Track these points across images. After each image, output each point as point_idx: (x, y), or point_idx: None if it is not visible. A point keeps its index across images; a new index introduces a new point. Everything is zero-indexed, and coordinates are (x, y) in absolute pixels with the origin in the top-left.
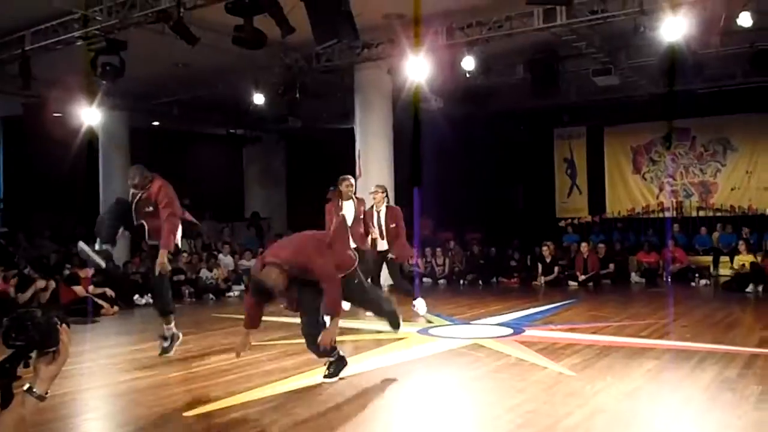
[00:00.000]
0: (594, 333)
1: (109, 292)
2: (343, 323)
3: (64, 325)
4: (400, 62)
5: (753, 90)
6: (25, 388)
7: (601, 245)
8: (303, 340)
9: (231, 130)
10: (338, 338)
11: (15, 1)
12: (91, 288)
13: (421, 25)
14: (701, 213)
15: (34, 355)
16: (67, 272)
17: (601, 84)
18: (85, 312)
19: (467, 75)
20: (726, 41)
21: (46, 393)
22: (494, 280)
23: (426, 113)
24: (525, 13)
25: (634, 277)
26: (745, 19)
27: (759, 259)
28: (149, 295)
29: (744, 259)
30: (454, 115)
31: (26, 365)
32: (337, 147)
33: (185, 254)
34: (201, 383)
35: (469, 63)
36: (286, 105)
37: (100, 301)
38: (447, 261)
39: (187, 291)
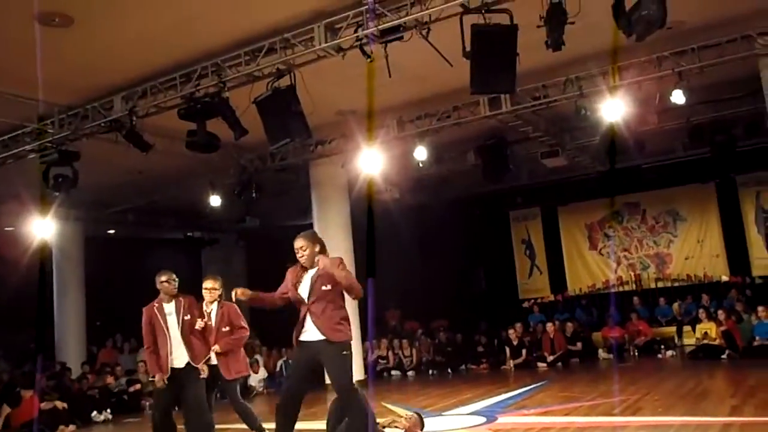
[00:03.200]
0: (567, 414)
1: (60, 404)
2: (311, 426)
3: None
4: (354, 156)
5: (695, 161)
6: None
7: (569, 323)
8: None
9: (189, 234)
10: None
11: None
12: (43, 404)
13: (372, 119)
14: (659, 284)
15: None
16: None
17: (550, 165)
18: None
19: (420, 165)
20: (663, 118)
21: None
22: (463, 367)
23: (382, 204)
24: (471, 103)
25: (602, 353)
26: (678, 97)
27: (725, 324)
28: (108, 411)
29: (706, 327)
30: (411, 204)
31: None
32: None
33: (143, 364)
34: None
35: (421, 153)
36: (243, 205)
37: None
38: (414, 351)
39: (147, 404)
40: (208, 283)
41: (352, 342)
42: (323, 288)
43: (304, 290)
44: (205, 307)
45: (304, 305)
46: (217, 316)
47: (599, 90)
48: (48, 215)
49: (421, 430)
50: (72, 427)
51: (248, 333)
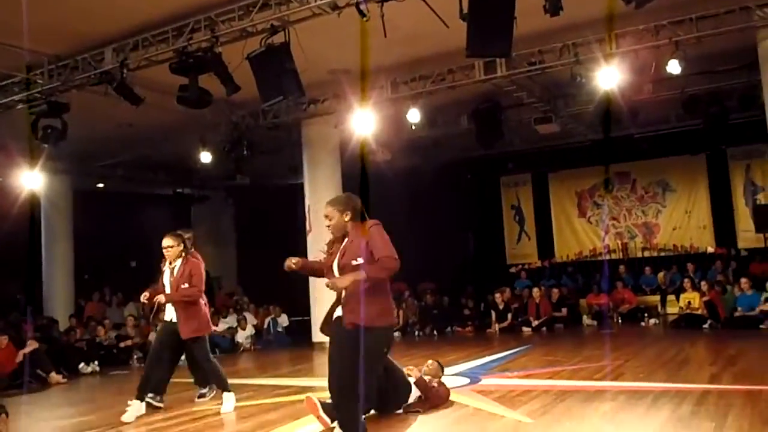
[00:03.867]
0: (550, 378)
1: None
2: (298, 382)
3: (3, 414)
4: (347, 116)
5: (687, 133)
6: None
7: (555, 290)
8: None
9: (178, 190)
10: (293, 397)
11: None
12: (25, 349)
13: (366, 80)
14: (646, 253)
15: None
16: None
17: (543, 132)
18: (20, 383)
19: (413, 127)
20: (658, 87)
21: None
22: (449, 329)
23: (374, 166)
24: (466, 66)
25: (586, 320)
26: (673, 67)
27: (708, 295)
28: (95, 362)
29: (689, 297)
30: (402, 166)
31: None
32: (286, 202)
33: (132, 318)
34: None
35: (414, 115)
36: (233, 162)
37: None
38: (401, 313)
39: (135, 356)
40: (165, 242)
41: None
42: (353, 263)
43: (334, 265)
44: (169, 264)
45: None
46: (178, 272)
47: (595, 57)
48: (36, 167)
49: (442, 375)
50: (60, 376)
51: (200, 293)
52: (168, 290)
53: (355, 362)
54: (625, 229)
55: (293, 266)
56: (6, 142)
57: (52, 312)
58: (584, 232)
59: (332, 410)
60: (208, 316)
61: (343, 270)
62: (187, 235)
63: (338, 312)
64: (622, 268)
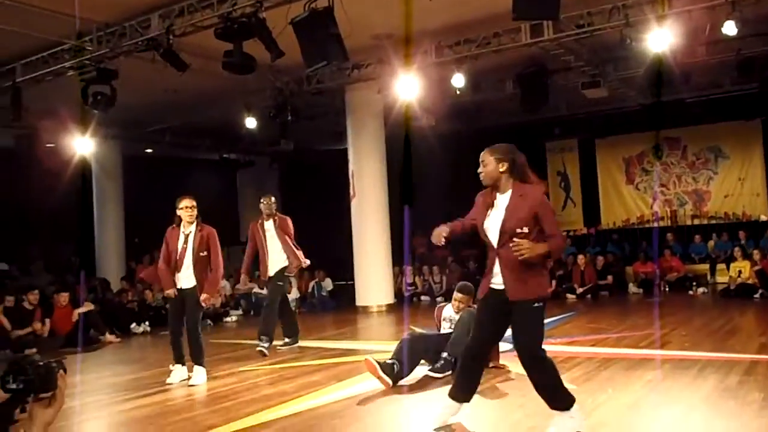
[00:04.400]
0: (593, 345)
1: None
2: (340, 345)
3: (61, 371)
4: (391, 82)
5: (741, 97)
6: None
7: (599, 257)
8: (300, 364)
9: (224, 155)
10: (336, 359)
11: (5, 33)
12: (81, 309)
13: (410, 44)
14: (695, 221)
15: (30, 399)
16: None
17: (591, 96)
18: (75, 342)
19: (457, 92)
20: (712, 50)
21: None
22: None
23: (418, 131)
24: (512, 29)
25: (632, 288)
26: (729, 28)
27: (760, 264)
28: (146, 323)
29: (740, 266)
30: (446, 132)
31: (23, 410)
32: (330, 168)
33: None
34: (200, 410)
35: (458, 80)
36: (278, 128)
37: (103, 336)
38: (444, 279)
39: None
40: (186, 201)
41: (383, 265)
42: (518, 231)
43: (492, 228)
44: (183, 229)
45: (492, 249)
46: (195, 240)
47: (646, 19)
48: (87, 133)
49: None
50: (113, 336)
51: (221, 262)
52: (183, 255)
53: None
54: (674, 196)
55: (444, 237)
56: (57, 109)
57: (104, 274)
58: (632, 198)
59: (391, 371)
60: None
61: (504, 235)
62: (272, 199)
63: (497, 283)
64: (670, 235)
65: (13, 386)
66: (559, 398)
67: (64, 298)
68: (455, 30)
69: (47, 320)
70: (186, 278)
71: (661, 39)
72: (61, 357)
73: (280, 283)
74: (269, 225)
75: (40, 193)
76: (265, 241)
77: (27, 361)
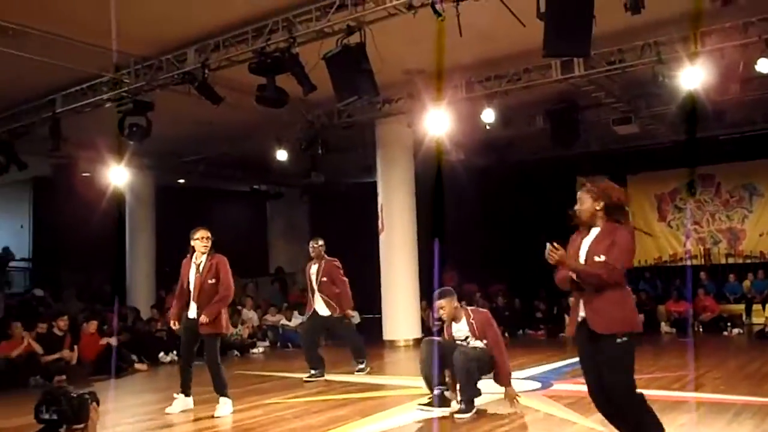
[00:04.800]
0: None
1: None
2: (366, 380)
3: (94, 403)
4: (421, 116)
5: None
6: None
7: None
8: (327, 397)
9: (255, 186)
10: (363, 394)
11: (47, 66)
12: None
13: (440, 79)
14: (730, 260)
15: (62, 430)
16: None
17: (622, 133)
18: (106, 369)
19: (487, 127)
20: (746, 87)
21: None
22: (520, 332)
23: (447, 165)
24: (543, 65)
25: (664, 327)
26: (763, 66)
27: None
28: (174, 352)
29: None
30: (476, 166)
31: None
32: (359, 201)
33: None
34: None
35: (489, 115)
36: (308, 160)
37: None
38: None
39: None
40: (202, 233)
41: (411, 299)
42: (595, 258)
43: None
44: (194, 259)
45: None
46: (204, 268)
47: (678, 56)
48: (122, 163)
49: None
50: (142, 364)
51: (231, 294)
52: (192, 286)
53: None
54: (707, 235)
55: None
56: (94, 139)
57: (134, 302)
58: (664, 236)
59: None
60: (227, 318)
61: (586, 262)
62: (320, 243)
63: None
64: (703, 274)
65: (47, 416)
66: None
67: (92, 326)
68: (486, 65)
69: (75, 347)
70: (195, 308)
71: (693, 76)
72: (92, 386)
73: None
74: (314, 269)
75: (75, 221)
76: (310, 283)
77: (61, 392)
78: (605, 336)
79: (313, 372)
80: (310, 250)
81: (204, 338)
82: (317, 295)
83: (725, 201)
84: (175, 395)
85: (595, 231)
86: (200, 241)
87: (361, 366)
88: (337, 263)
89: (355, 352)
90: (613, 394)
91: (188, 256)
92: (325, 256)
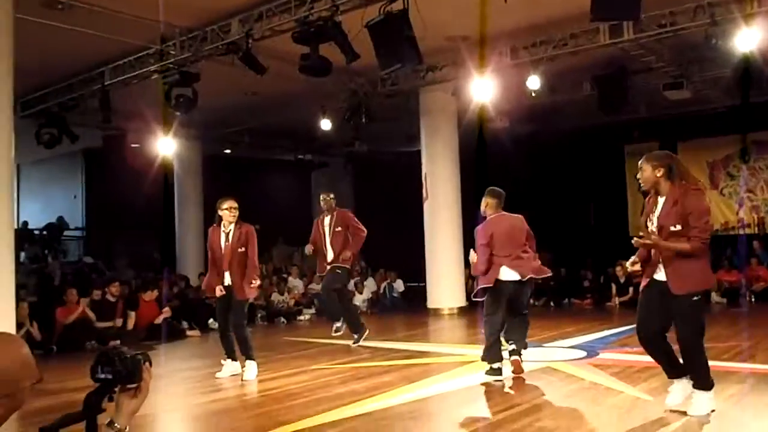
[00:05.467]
0: None
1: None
2: (411, 347)
3: (147, 363)
4: (465, 84)
5: None
6: (106, 422)
7: None
8: (371, 364)
9: (299, 156)
10: (407, 361)
11: (95, 39)
12: (166, 313)
13: (485, 46)
14: None
15: (117, 390)
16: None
17: (673, 98)
18: (159, 335)
19: (533, 94)
20: None
21: (126, 427)
22: (566, 301)
23: (492, 133)
24: (590, 30)
25: (715, 297)
26: None
27: None
28: None
29: None
30: (521, 134)
31: (111, 399)
32: (403, 170)
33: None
34: (273, 406)
35: (534, 82)
36: (352, 130)
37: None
38: None
39: (259, 314)
40: (231, 202)
41: (455, 268)
42: (671, 228)
43: (653, 227)
44: (223, 228)
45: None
46: (234, 236)
47: (733, 17)
48: (170, 134)
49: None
50: (194, 330)
51: (257, 262)
52: (226, 253)
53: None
54: (762, 203)
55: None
56: (142, 110)
57: (184, 270)
58: (716, 204)
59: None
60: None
61: (660, 230)
62: (331, 196)
63: (660, 276)
64: (757, 243)
65: (102, 376)
66: (703, 379)
67: (150, 295)
68: (531, 31)
69: (132, 313)
70: (230, 275)
71: (748, 38)
72: (147, 349)
73: (339, 272)
74: (327, 220)
75: (126, 191)
76: (323, 237)
77: (115, 352)
78: (682, 295)
79: (337, 325)
80: (322, 203)
81: (235, 302)
82: (329, 247)
83: None
84: (222, 361)
85: (661, 199)
86: (228, 211)
87: (338, 325)
88: (350, 213)
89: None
90: (685, 343)
91: (214, 225)
92: (337, 208)
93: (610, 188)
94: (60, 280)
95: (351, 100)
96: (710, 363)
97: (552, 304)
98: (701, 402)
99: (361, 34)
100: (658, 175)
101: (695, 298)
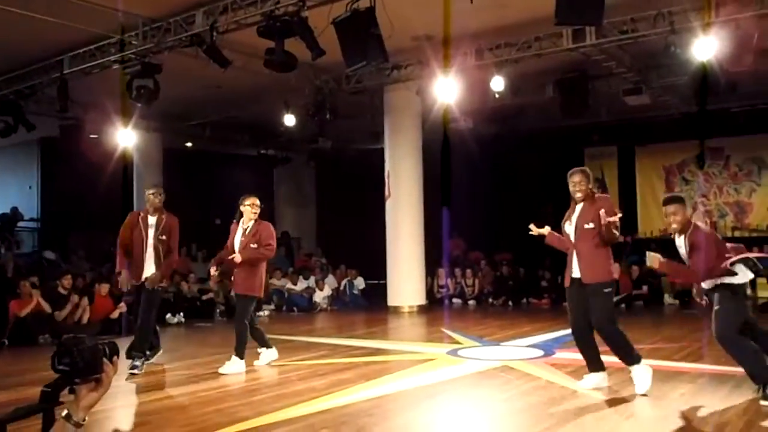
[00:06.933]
0: None
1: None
2: (370, 344)
3: (115, 356)
4: (429, 83)
5: None
6: (63, 414)
7: (635, 266)
8: (331, 361)
9: (262, 151)
10: (367, 358)
11: (55, 26)
12: (121, 308)
13: (450, 46)
14: (736, 233)
15: (79, 381)
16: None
17: (632, 103)
18: (114, 329)
19: (496, 95)
20: (759, 60)
21: (84, 420)
22: (525, 300)
23: (455, 133)
24: (554, 34)
25: (668, 299)
26: None
27: None
28: (181, 314)
29: None
30: (484, 135)
31: (71, 391)
32: (366, 167)
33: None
34: (231, 402)
35: (498, 83)
36: (316, 126)
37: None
38: (477, 282)
39: (218, 310)
40: (252, 200)
41: (416, 266)
42: (585, 226)
43: (569, 228)
44: (242, 224)
45: (570, 244)
46: (250, 232)
47: (692, 26)
48: (130, 125)
49: None
50: None
51: (273, 254)
52: (237, 248)
53: None
54: (715, 207)
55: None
56: (102, 101)
57: None
58: None
59: None
60: (264, 281)
61: (576, 230)
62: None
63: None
64: None
65: (60, 367)
66: (630, 356)
67: (104, 288)
68: (495, 33)
69: (87, 307)
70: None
71: (706, 47)
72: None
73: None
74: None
75: (83, 182)
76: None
77: (73, 342)
78: (593, 284)
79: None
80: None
81: (237, 297)
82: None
83: (734, 174)
84: (258, 350)
85: (580, 206)
86: (250, 207)
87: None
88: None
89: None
90: (600, 330)
91: (235, 221)
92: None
93: (569, 190)
94: (13, 272)
95: (315, 97)
96: (663, 363)
97: (510, 303)
98: (640, 375)
99: (327, 31)
100: (591, 187)
101: (606, 289)
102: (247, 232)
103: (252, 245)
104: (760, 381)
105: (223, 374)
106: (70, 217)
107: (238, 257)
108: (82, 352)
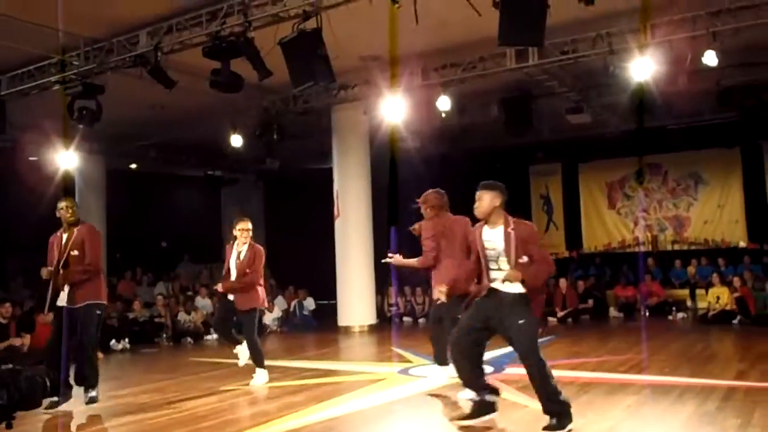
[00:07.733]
0: (573, 369)
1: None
2: (321, 365)
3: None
4: (377, 103)
5: (721, 125)
6: None
7: (580, 281)
8: (282, 384)
9: (209, 172)
10: (318, 380)
11: None
12: None
13: (396, 66)
14: (676, 246)
15: (17, 415)
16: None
17: (574, 122)
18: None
19: (443, 115)
20: (693, 79)
21: None
22: None
23: (403, 153)
24: (498, 54)
25: (613, 312)
26: (710, 58)
27: (739, 291)
28: (126, 340)
29: (718, 292)
30: (431, 153)
31: (8, 426)
32: (315, 187)
33: (161, 297)
34: (180, 429)
35: (444, 103)
36: (263, 146)
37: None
38: (427, 300)
39: (164, 334)
40: (245, 224)
41: (366, 286)
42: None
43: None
44: (236, 246)
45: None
46: (245, 257)
47: (629, 47)
48: (71, 147)
49: None
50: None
51: (258, 277)
52: (234, 272)
53: None
54: (655, 222)
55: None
56: (41, 122)
57: None
58: (613, 223)
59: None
60: (263, 294)
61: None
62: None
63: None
64: (651, 260)
65: None
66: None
67: (48, 316)
68: (441, 53)
69: (27, 335)
70: None
71: (643, 67)
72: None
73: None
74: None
75: (21, 206)
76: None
77: (7, 373)
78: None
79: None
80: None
81: (241, 315)
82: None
83: (672, 189)
84: (234, 350)
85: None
86: (241, 232)
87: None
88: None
89: None
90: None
91: (231, 242)
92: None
93: (515, 206)
94: None
95: (263, 117)
96: (609, 376)
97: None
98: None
99: (274, 51)
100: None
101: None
102: (241, 256)
103: (247, 270)
104: None
105: (252, 385)
106: (8, 242)
107: (220, 287)
108: (18, 384)
